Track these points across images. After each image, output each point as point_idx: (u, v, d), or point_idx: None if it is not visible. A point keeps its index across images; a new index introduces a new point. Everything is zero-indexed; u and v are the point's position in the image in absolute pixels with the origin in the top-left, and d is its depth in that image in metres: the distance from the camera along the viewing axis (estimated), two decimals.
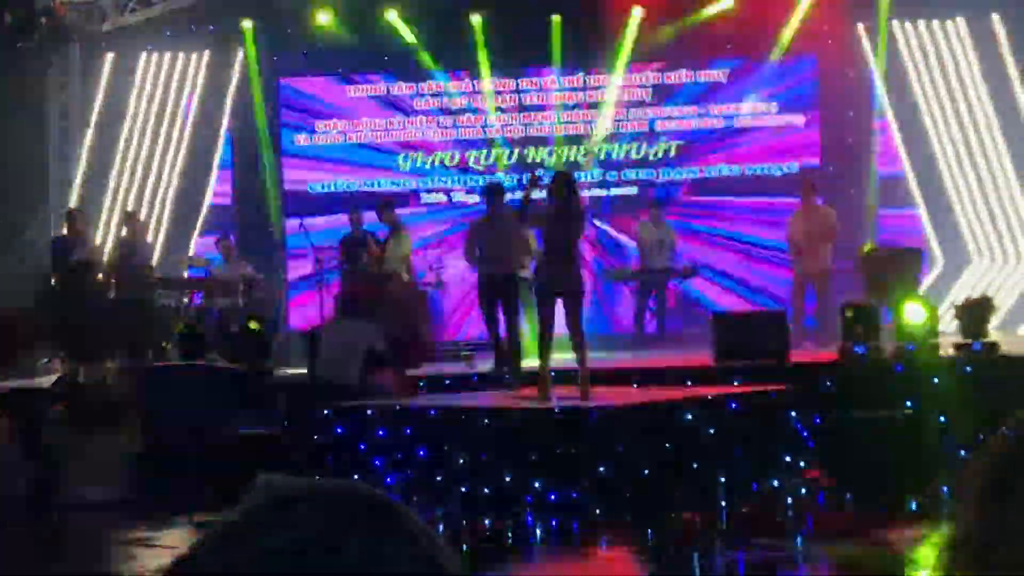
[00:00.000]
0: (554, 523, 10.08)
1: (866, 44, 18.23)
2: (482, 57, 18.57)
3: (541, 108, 18.93)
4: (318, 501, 1.14)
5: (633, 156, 18.78)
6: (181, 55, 18.85)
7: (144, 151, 18.73)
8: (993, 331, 13.40)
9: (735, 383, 12.35)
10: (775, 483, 11.30)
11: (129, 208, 17.86)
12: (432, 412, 11.45)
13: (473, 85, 18.95)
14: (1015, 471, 1.25)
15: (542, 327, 11.45)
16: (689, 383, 12.56)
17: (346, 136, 19.05)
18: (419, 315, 15.32)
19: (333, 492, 1.15)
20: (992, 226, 17.96)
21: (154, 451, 12.40)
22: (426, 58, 18.56)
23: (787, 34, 18.19)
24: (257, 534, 1.11)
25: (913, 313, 13.02)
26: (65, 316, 14.03)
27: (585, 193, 18.03)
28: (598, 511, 10.14)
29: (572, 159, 18.73)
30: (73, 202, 17.98)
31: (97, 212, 18.28)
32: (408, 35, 18.46)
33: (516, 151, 18.84)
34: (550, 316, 11.37)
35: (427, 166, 18.95)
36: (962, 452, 11.23)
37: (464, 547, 9.34)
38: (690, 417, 11.14)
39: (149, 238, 17.48)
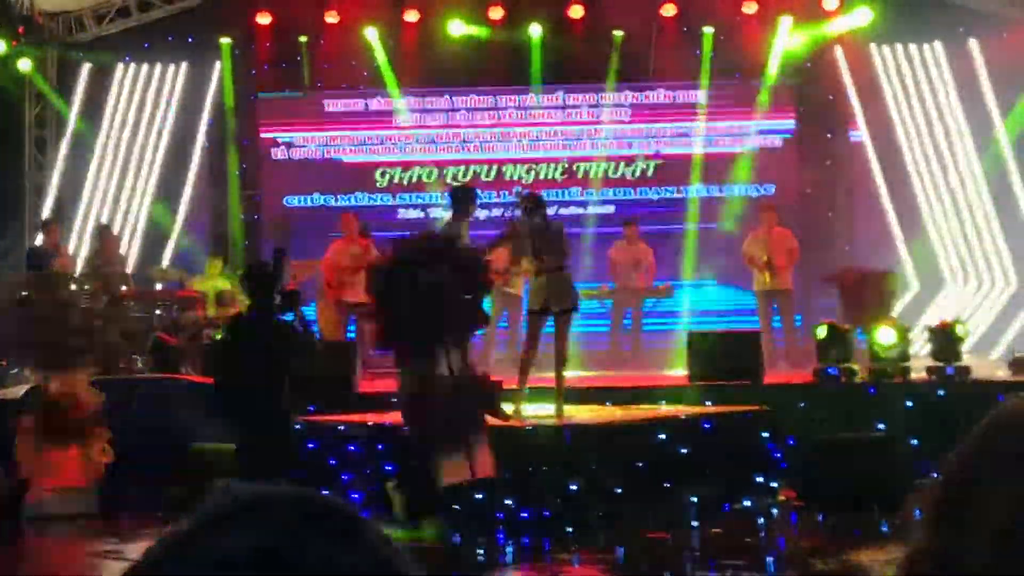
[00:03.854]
0: (525, 541, 10.06)
1: (844, 67, 18.31)
2: (463, 73, 18.62)
3: (521, 126, 18.95)
4: (277, 506, 1.13)
5: (611, 175, 18.82)
6: (159, 67, 18.81)
7: (120, 162, 18.68)
8: (966, 355, 13.45)
9: (708, 403, 12.36)
10: (747, 504, 11.30)
11: (103, 220, 17.79)
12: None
13: (453, 102, 18.98)
14: (969, 488, 1.25)
15: (530, 344, 11.41)
16: (663, 402, 12.58)
17: (323, 151, 19.03)
18: None
19: (292, 498, 1.14)
20: (967, 250, 18.04)
21: (124, 463, 12.33)
22: (391, 79, 18.58)
23: (772, 64, 18.26)
24: (215, 539, 1.10)
25: (885, 336, 13.08)
26: (36, 326, 13.96)
27: (563, 211, 18.06)
28: (570, 529, 10.13)
29: (550, 177, 18.74)
30: (48, 212, 17.91)
31: (72, 222, 18.21)
32: (382, 55, 18.48)
33: (494, 168, 18.86)
34: (539, 334, 11.35)
35: (404, 182, 18.94)
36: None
37: (435, 564, 9.31)
38: (663, 436, 11.14)
39: (123, 249, 17.42)
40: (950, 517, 1.26)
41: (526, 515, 10.29)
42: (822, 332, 13.18)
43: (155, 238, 18.37)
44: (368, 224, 16.67)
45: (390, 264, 10.01)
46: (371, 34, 18.45)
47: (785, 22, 18.05)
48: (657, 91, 18.91)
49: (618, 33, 18.43)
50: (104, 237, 16.48)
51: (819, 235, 17.80)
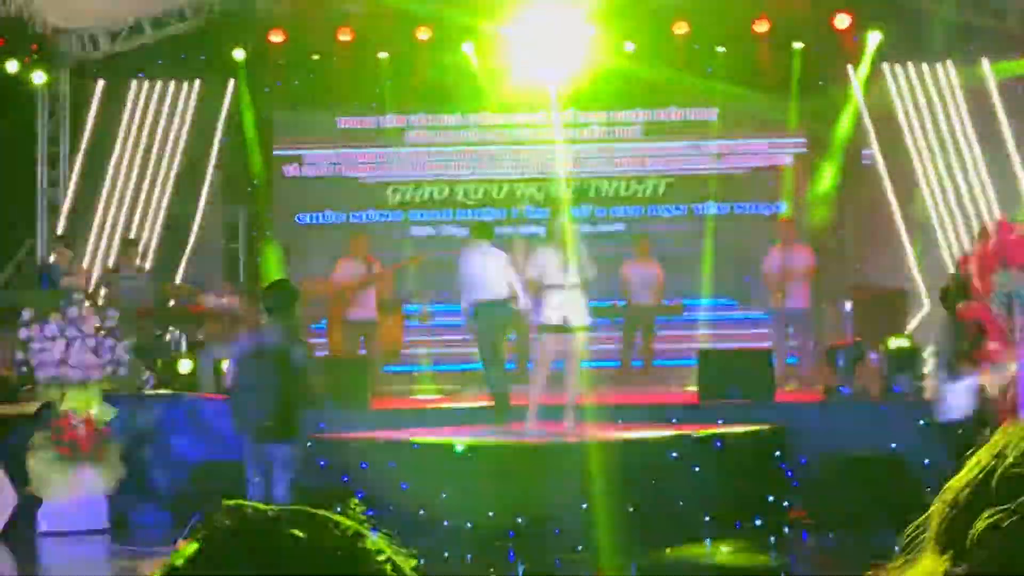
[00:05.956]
0: (536, 558, 10.04)
1: (856, 85, 18.30)
2: (476, 92, 18.61)
3: (533, 144, 18.94)
4: (283, 530, 1.13)
5: (622, 193, 18.81)
6: (172, 83, 18.84)
7: (133, 179, 18.70)
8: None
9: (720, 421, 12.35)
10: (759, 523, 11.28)
11: (130, 236, 17.80)
12: (416, 446, 11.43)
13: (466, 120, 18.99)
14: (968, 516, 1.26)
15: (542, 360, 11.45)
16: (674, 420, 12.56)
17: (335, 168, 19.05)
18: None
19: (299, 520, 1.15)
20: None
21: (136, 480, 12.35)
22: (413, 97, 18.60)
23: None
24: (221, 561, 1.11)
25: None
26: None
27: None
28: (580, 547, 10.12)
29: (561, 195, 18.73)
30: (61, 229, 17.94)
31: (85, 240, 18.23)
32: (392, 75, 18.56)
33: (506, 186, 18.87)
34: (552, 350, 11.39)
35: (416, 200, 18.95)
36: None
37: None
38: (675, 454, 11.14)
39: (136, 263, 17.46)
40: (956, 536, 1.27)
41: (538, 532, 10.29)
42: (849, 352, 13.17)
43: (167, 255, 18.36)
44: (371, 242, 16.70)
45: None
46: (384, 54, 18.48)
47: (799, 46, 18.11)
48: (668, 109, 18.91)
49: (630, 51, 18.41)
50: (131, 252, 16.51)
51: (829, 253, 17.75)
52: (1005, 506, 1.23)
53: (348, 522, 1.16)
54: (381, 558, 1.15)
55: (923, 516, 1.34)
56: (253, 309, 15.04)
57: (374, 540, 1.16)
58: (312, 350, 12.23)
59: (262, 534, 1.13)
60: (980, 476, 1.29)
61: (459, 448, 11.01)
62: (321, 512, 1.17)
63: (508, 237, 17.10)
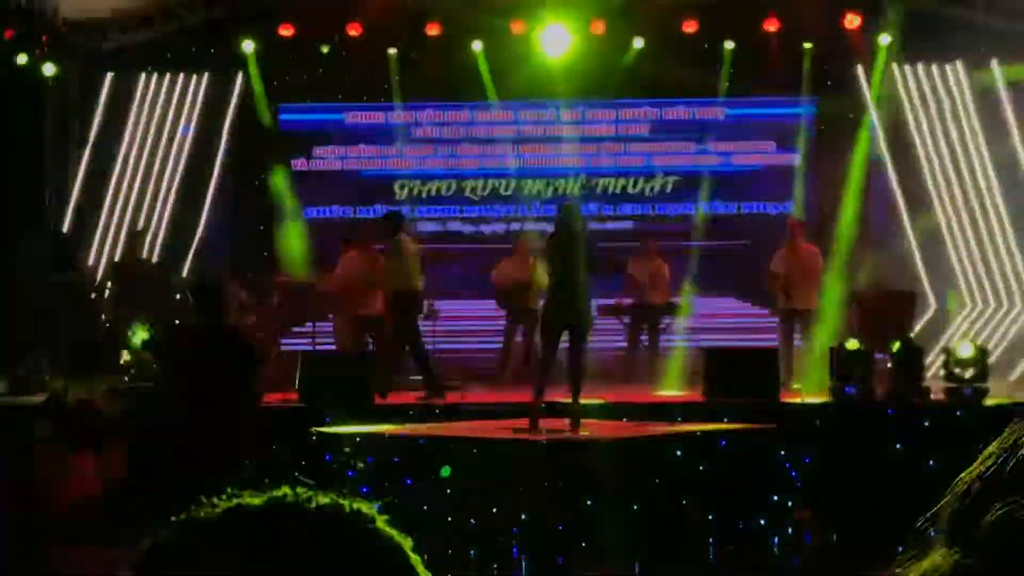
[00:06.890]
0: (540, 556, 10.04)
1: (865, 86, 18.30)
2: (484, 87, 18.61)
3: (540, 140, 18.96)
4: (274, 520, 1.13)
5: (630, 190, 18.82)
6: (181, 76, 18.86)
7: (141, 172, 18.72)
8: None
9: (724, 420, 12.34)
10: (762, 522, 11.28)
11: (138, 227, 17.83)
12: (421, 441, 11.43)
13: (473, 115, 19.00)
14: (979, 507, 1.26)
15: (545, 360, 11.45)
16: (679, 418, 12.55)
17: (343, 163, 19.06)
18: None
19: (293, 511, 1.14)
20: (985, 271, 17.98)
21: (140, 472, 12.34)
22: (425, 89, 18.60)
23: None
24: (210, 546, 1.12)
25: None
26: (57, 333, 14.00)
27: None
28: (584, 544, 10.12)
29: (568, 192, 18.74)
30: (68, 221, 17.95)
31: (92, 231, 18.25)
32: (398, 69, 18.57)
33: (513, 182, 18.88)
34: (554, 349, 11.40)
35: (423, 194, 18.96)
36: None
37: None
38: (679, 453, 11.13)
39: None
40: (967, 528, 1.27)
41: (541, 530, 10.29)
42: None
43: (175, 247, 18.38)
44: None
45: None
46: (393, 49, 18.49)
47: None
48: (677, 107, 18.91)
49: (639, 48, 18.41)
50: (135, 243, 16.55)
51: (838, 253, 17.73)
52: (1016, 497, 1.23)
53: (351, 510, 1.15)
54: (381, 544, 1.14)
55: (932, 510, 1.34)
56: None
57: (371, 527, 1.15)
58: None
59: (251, 519, 1.13)
60: (991, 468, 1.29)
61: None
62: (309, 494, 1.16)
63: (516, 232, 17.17)
